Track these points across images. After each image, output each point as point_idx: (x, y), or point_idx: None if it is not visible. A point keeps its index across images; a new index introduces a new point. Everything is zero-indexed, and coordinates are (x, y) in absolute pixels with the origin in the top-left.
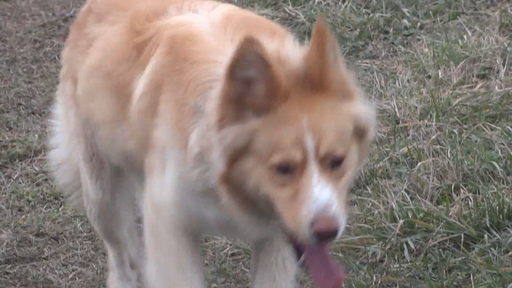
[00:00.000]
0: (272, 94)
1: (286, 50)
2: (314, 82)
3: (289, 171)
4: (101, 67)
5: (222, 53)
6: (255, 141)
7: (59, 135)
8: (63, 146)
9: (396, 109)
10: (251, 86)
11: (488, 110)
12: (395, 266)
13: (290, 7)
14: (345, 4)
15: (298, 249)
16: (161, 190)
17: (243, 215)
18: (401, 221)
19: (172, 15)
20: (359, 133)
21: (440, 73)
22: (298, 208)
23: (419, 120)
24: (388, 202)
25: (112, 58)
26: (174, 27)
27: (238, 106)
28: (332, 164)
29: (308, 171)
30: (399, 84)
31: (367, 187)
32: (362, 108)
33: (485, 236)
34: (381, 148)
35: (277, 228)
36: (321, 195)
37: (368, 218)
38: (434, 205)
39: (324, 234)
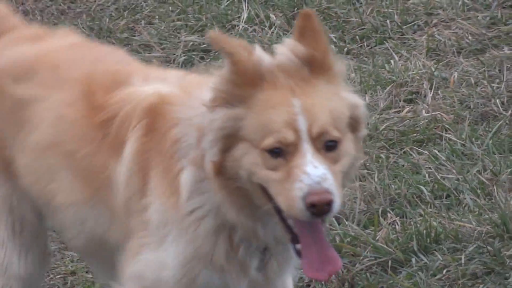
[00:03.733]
0: (244, 83)
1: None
2: (316, 65)
3: (281, 154)
4: (58, 145)
5: (194, 95)
6: (243, 127)
7: None
8: None
9: None
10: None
11: (415, 134)
12: None
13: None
14: (271, 30)
15: (295, 238)
16: (159, 269)
17: (238, 214)
18: None
19: (136, 85)
20: (354, 124)
21: (367, 98)
22: (291, 186)
23: None
24: None
25: (71, 136)
26: (143, 98)
27: (228, 92)
28: (327, 147)
29: (301, 151)
30: None
31: None
32: (358, 100)
33: (413, 260)
34: None
35: (273, 223)
36: (314, 171)
37: None
38: (361, 229)
39: (318, 206)
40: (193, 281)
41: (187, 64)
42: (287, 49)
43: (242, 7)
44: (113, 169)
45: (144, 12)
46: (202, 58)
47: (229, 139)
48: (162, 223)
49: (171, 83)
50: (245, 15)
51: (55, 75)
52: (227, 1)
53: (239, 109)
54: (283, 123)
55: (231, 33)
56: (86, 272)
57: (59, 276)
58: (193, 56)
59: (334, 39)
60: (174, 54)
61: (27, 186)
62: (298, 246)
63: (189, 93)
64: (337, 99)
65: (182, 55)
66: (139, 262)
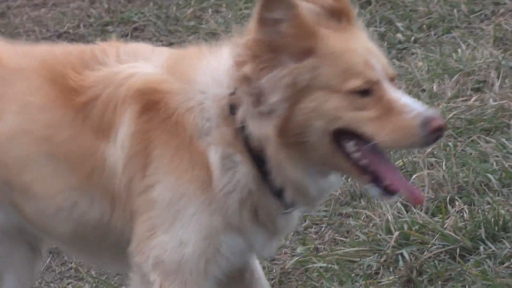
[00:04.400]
0: (306, 33)
1: None
2: (345, 18)
3: (369, 93)
4: (28, 132)
5: (191, 81)
6: (318, 76)
7: None
8: None
9: None
10: (281, 28)
11: (482, 123)
12: (390, 278)
13: None
14: None
15: (374, 177)
16: (179, 248)
17: (299, 172)
18: (396, 233)
19: (110, 64)
20: None
21: (434, 87)
22: (400, 118)
23: None
24: (384, 214)
25: (43, 122)
26: (126, 80)
27: (290, 46)
28: None
29: (387, 88)
30: None
31: (362, 200)
32: None
33: (481, 247)
34: None
35: (338, 175)
36: (413, 102)
37: (364, 230)
38: (429, 217)
39: (440, 129)
40: (218, 251)
41: None
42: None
43: None
44: (105, 152)
45: (211, 0)
46: None
47: (299, 93)
48: (174, 199)
49: (150, 61)
50: None
51: (2, 67)
52: None
53: (310, 59)
54: (363, 65)
55: None
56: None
57: None
58: None
59: (401, 28)
60: None
61: None
62: (383, 182)
63: (181, 77)
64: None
65: None
66: (155, 248)
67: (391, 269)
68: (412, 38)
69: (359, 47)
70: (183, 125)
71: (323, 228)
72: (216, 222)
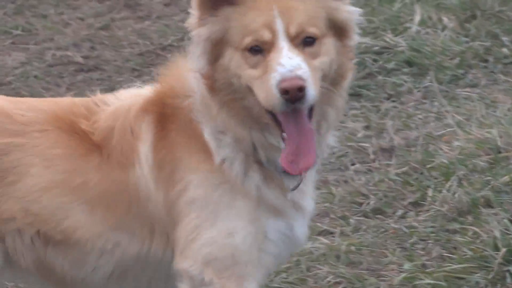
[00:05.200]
0: None
1: None
2: None
3: (260, 52)
4: (61, 183)
5: (183, 81)
6: (229, 30)
7: None
8: None
9: (498, 138)
10: None
11: None
12: None
13: (390, 36)
14: (444, 32)
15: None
16: (228, 239)
17: (245, 128)
18: (503, 250)
19: (114, 102)
20: (337, 28)
21: None
22: (268, 78)
23: None
24: (491, 231)
25: (73, 171)
26: (133, 105)
27: (211, 3)
28: (305, 43)
29: (277, 47)
30: (500, 113)
31: (469, 216)
32: (342, 6)
33: None
34: (483, 177)
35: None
36: (289, 61)
37: (470, 246)
38: None
39: (291, 92)
40: (265, 236)
41: (360, 66)
42: None
43: (414, 9)
44: (134, 179)
45: None
46: (374, 60)
47: (216, 47)
48: (209, 191)
49: (144, 90)
50: (418, 17)
51: (13, 122)
52: (399, 3)
53: (227, 11)
54: (261, 24)
55: (403, 36)
56: None
57: None
58: (366, 58)
59: (507, 42)
60: None
61: (23, 226)
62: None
63: (176, 83)
64: (313, 1)
65: (355, 57)
66: (203, 246)
67: (498, 286)
68: None
69: (271, 7)
70: (191, 120)
71: (430, 244)
72: (252, 204)
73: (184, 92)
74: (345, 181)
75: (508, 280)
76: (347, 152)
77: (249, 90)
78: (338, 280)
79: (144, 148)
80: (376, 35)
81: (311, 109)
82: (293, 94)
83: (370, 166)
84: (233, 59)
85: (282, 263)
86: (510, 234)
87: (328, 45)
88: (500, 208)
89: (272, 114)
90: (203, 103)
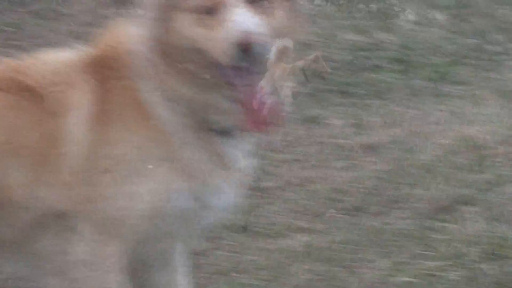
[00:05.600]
0: None
1: None
2: None
3: (211, 11)
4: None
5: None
6: None
7: None
8: None
9: (484, 136)
10: None
11: None
12: None
13: (379, 33)
14: (433, 29)
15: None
16: (129, 200)
17: (195, 90)
18: (478, 248)
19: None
20: None
21: None
22: (221, 35)
23: None
24: (466, 229)
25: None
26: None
27: None
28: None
29: (233, 8)
30: (487, 110)
31: (447, 215)
32: None
33: None
34: (466, 174)
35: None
36: (243, 17)
37: (446, 244)
38: None
39: (244, 45)
40: (171, 200)
41: (348, 63)
42: None
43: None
44: (61, 128)
45: None
46: (364, 57)
47: (166, 11)
48: (133, 150)
49: (71, 52)
50: (409, 14)
51: None
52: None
53: None
54: None
55: (393, 33)
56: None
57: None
58: (354, 55)
59: (496, 40)
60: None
61: None
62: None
63: (117, 46)
64: None
65: (341, 53)
66: (101, 204)
67: (472, 284)
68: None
69: None
70: (130, 82)
71: (406, 242)
72: (172, 168)
73: (125, 54)
74: (325, 178)
75: (481, 278)
76: (331, 149)
77: (201, 51)
78: (314, 277)
79: (81, 106)
80: (365, 32)
81: (263, 66)
82: (248, 48)
83: (352, 163)
84: (184, 22)
85: (197, 230)
86: (485, 232)
87: (277, 3)
88: (480, 207)
89: (226, 75)
90: (148, 66)
